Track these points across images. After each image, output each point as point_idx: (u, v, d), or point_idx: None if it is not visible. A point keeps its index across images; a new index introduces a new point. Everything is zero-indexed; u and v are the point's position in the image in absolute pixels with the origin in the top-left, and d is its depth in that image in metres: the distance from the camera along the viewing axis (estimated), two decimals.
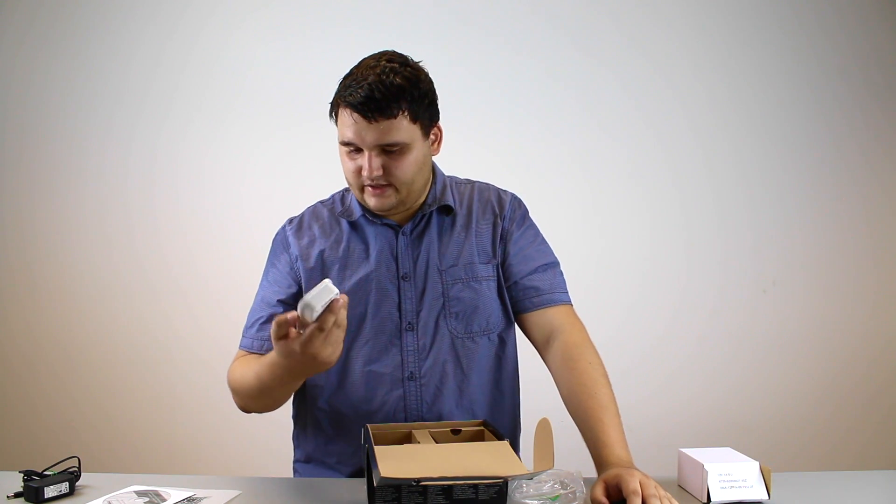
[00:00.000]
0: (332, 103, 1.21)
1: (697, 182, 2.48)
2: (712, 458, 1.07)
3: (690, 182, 2.48)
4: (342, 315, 0.98)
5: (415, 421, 1.24)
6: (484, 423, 1.16)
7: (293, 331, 0.99)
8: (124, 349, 2.46)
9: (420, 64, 1.22)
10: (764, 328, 2.47)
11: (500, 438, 1.07)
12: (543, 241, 1.35)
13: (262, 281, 1.35)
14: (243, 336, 1.31)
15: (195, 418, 2.44)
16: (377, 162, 1.17)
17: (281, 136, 2.45)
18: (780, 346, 2.46)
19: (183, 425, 2.45)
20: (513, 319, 1.32)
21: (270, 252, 1.36)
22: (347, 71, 1.20)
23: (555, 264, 1.33)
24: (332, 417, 1.29)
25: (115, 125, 2.47)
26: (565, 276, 1.35)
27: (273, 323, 1.00)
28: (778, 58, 2.47)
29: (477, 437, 1.13)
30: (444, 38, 2.42)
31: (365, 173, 1.18)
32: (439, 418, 1.25)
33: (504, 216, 1.32)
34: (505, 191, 1.38)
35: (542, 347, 1.28)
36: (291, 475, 1.37)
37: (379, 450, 0.99)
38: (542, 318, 1.28)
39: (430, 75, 1.23)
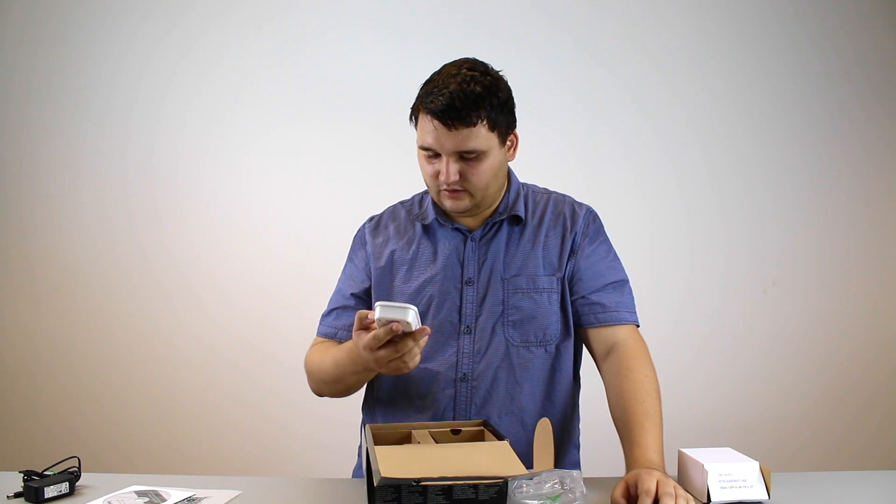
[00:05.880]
0: (412, 108, 1.26)
1: (698, 182, 2.48)
2: (712, 458, 1.07)
3: (691, 182, 2.47)
4: (405, 345, 1.07)
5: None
6: (484, 423, 1.16)
7: (372, 325, 1.08)
8: (124, 349, 2.46)
9: (500, 73, 1.26)
10: (764, 328, 2.46)
11: (500, 438, 1.07)
12: (616, 258, 1.35)
13: (341, 273, 1.43)
14: (320, 324, 1.39)
15: (195, 418, 2.44)
16: (454, 168, 1.21)
17: (283, 131, 2.45)
18: (779, 347, 2.46)
19: (183, 425, 2.45)
20: (572, 332, 1.32)
21: (351, 247, 1.43)
22: (428, 77, 1.23)
23: (624, 282, 1.33)
24: (387, 408, 1.33)
25: (111, 120, 2.47)
26: None
27: (356, 315, 1.11)
28: (779, 57, 2.47)
29: (477, 437, 1.13)
30: (443, 38, 2.42)
31: (442, 178, 1.22)
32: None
33: (576, 231, 1.32)
34: (580, 204, 1.39)
35: (600, 359, 1.30)
36: (291, 475, 1.38)
37: (379, 450, 0.99)
38: (603, 333, 1.29)
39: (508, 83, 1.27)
